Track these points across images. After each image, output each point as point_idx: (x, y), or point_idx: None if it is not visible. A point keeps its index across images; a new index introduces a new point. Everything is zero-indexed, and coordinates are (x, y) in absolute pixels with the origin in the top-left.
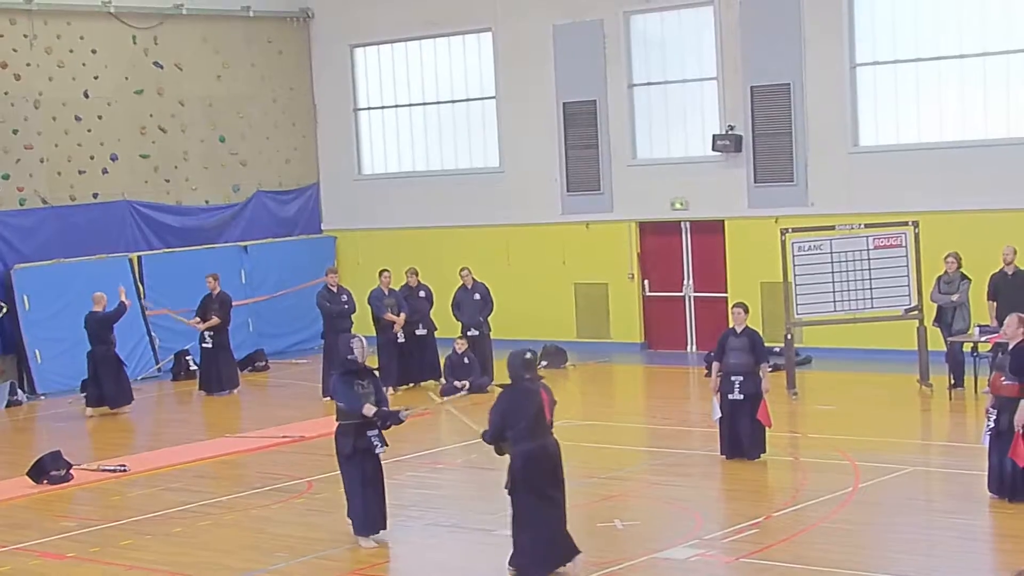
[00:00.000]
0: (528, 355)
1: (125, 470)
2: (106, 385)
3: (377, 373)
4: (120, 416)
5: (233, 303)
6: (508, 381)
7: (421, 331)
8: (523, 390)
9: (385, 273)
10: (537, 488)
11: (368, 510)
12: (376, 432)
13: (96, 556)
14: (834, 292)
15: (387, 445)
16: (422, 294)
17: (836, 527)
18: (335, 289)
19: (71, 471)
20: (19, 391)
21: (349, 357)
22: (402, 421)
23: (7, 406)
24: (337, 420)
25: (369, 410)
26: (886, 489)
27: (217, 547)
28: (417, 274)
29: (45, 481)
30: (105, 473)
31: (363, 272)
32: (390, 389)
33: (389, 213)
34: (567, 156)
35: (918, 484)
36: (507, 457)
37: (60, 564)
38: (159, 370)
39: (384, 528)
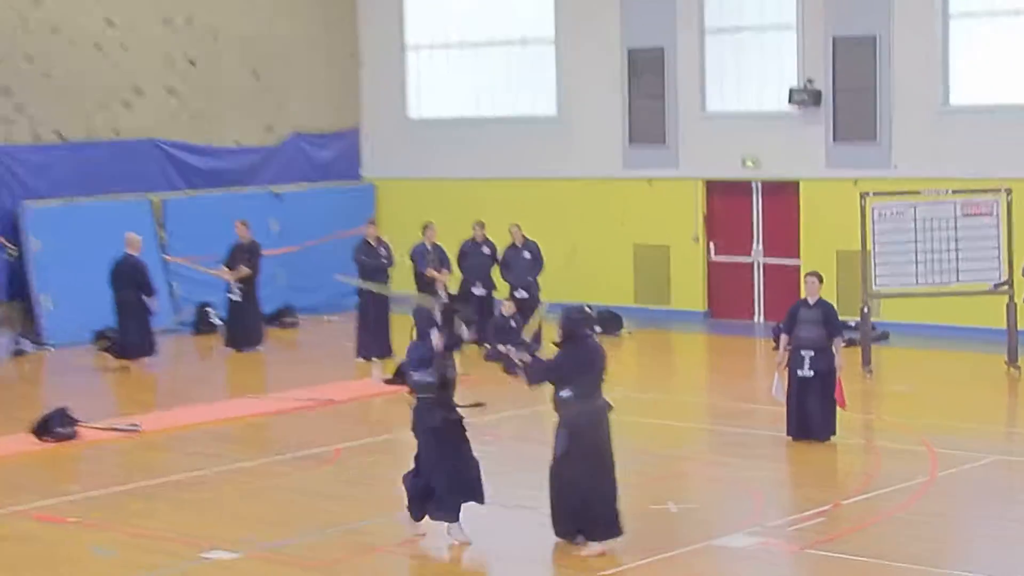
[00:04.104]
0: (588, 308)
1: (138, 429)
2: (131, 333)
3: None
4: (136, 370)
5: (263, 252)
6: (560, 338)
7: (480, 290)
8: (590, 346)
9: (429, 227)
10: (600, 450)
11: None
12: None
13: (100, 522)
14: (917, 263)
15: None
16: (486, 250)
17: (910, 518)
18: (374, 242)
19: (76, 427)
20: (23, 340)
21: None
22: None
23: (13, 355)
24: (419, 394)
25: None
26: (966, 479)
27: (236, 517)
28: (483, 227)
29: (49, 438)
30: (116, 432)
31: (405, 225)
32: None
33: (435, 161)
34: (630, 106)
35: (1001, 475)
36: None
37: (59, 528)
38: (179, 323)
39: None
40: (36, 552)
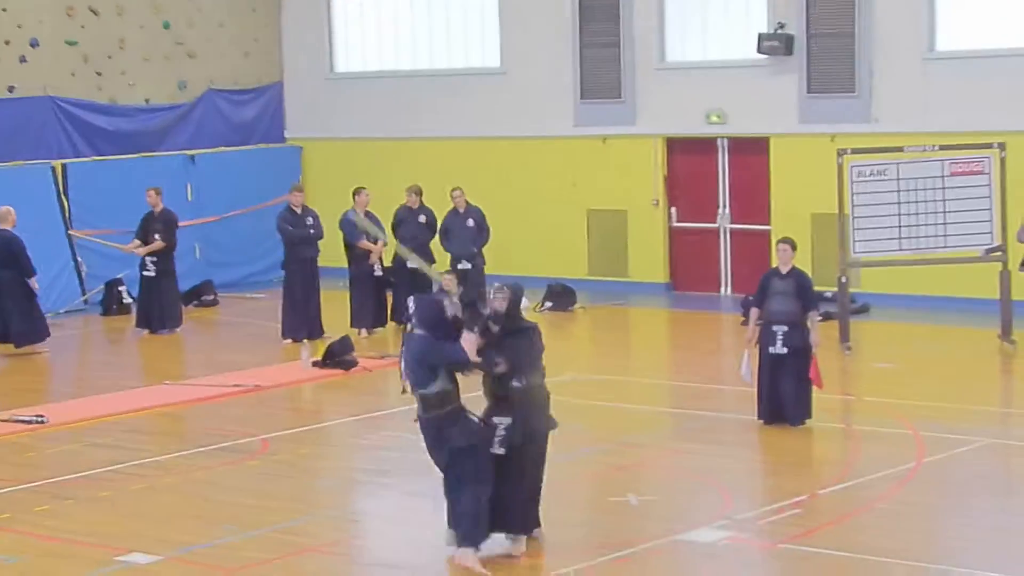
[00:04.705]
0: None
1: (43, 422)
2: (14, 318)
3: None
4: (34, 357)
5: (179, 223)
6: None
7: (412, 263)
8: (538, 331)
9: (361, 192)
10: (542, 437)
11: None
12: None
13: (5, 524)
14: (900, 227)
15: None
16: (422, 219)
17: (894, 509)
18: (299, 210)
19: None
20: None
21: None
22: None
23: None
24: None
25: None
26: (956, 465)
27: (152, 515)
28: (420, 194)
29: None
30: (19, 425)
31: (334, 190)
32: (363, 332)
33: (367, 120)
34: (582, 56)
35: (994, 460)
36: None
37: None
38: (86, 302)
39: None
40: None
